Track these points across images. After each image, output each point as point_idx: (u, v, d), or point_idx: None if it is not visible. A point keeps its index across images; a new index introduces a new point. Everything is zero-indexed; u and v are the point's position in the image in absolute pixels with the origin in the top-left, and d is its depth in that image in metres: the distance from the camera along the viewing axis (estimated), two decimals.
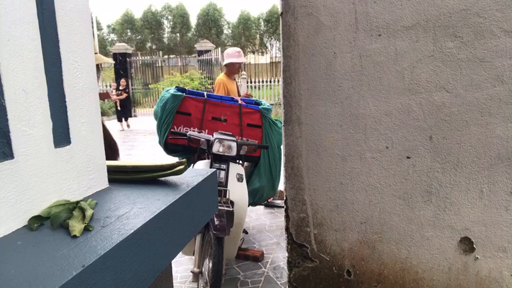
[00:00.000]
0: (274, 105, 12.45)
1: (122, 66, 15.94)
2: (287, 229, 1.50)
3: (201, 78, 16.17)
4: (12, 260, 0.45)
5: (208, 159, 2.85)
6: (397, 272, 1.40)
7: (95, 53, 1.95)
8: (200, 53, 17.54)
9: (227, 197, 2.49)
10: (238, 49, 4.56)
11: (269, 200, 4.43)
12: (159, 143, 3.35)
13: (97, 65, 2.00)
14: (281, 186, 4.10)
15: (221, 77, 4.41)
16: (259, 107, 3.35)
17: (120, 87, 13.21)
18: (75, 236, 0.51)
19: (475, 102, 1.25)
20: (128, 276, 0.51)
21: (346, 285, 1.46)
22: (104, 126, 1.94)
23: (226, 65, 4.35)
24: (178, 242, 0.70)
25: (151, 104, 16.77)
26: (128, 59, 16.18)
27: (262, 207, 4.59)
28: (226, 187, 2.53)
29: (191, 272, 2.53)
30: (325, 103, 1.36)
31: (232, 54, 4.33)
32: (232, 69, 4.36)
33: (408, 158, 1.33)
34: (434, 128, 1.29)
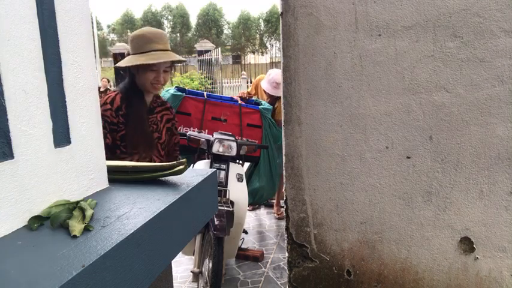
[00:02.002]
0: None
1: None
2: (287, 229, 1.50)
3: (201, 78, 16.17)
4: (12, 260, 0.45)
5: (208, 159, 2.85)
6: (397, 272, 1.40)
7: (167, 50, 1.88)
8: (200, 53, 17.53)
9: (227, 197, 2.49)
10: (280, 81, 4.05)
11: (269, 200, 4.43)
12: None
13: (172, 63, 1.92)
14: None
15: (261, 76, 4.15)
16: (259, 107, 3.36)
17: (101, 88, 10.28)
18: (75, 236, 0.51)
19: (475, 102, 1.25)
20: (128, 276, 0.51)
21: (346, 285, 1.46)
22: (144, 121, 1.91)
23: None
24: (178, 242, 0.70)
25: None
26: None
27: (262, 207, 4.60)
28: (226, 187, 2.54)
29: (191, 272, 2.54)
30: (325, 103, 1.36)
31: (269, 81, 3.79)
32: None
33: (408, 158, 1.33)
34: (434, 128, 1.29)
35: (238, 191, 2.61)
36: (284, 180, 1.48)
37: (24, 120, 0.55)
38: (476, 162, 1.28)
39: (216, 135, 2.73)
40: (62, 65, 0.63)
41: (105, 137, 1.81)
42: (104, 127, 1.86)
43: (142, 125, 1.94)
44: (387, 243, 1.39)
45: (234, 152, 2.65)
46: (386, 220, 1.38)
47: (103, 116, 1.86)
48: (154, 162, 1.98)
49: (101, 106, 1.79)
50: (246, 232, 3.64)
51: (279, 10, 1.38)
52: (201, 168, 2.53)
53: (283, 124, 1.44)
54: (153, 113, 2.03)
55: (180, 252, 2.46)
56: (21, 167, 0.54)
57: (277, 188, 3.90)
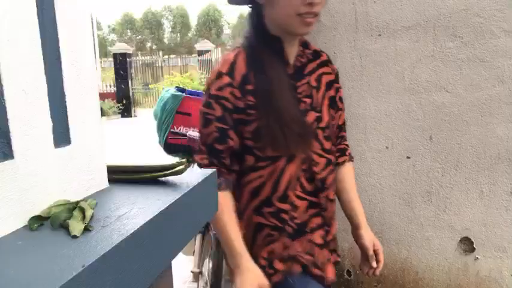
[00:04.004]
0: None
1: (122, 66, 15.92)
2: None
3: (201, 78, 16.16)
4: (12, 260, 0.45)
5: None
6: (397, 272, 1.40)
7: None
8: (200, 53, 17.54)
9: None
10: None
11: None
12: (159, 143, 3.34)
13: None
14: None
15: None
16: None
17: None
18: (75, 236, 0.51)
19: (475, 102, 1.25)
20: (128, 276, 0.51)
21: (346, 285, 1.45)
22: (291, 97, 1.03)
23: None
24: (178, 242, 0.70)
25: (151, 104, 16.75)
26: (128, 59, 16.16)
27: None
28: None
29: (191, 272, 2.53)
30: None
31: None
32: None
33: (408, 158, 1.33)
34: (434, 128, 1.29)
35: None
36: None
37: (24, 120, 0.55)
38: (476, 162, 1.28)
39: None
40: (62, 65, 0.63)
41: (225, 138, 1.09)
42: (223, 120, 1.08)
43: (289, 103, 1.06)
44: (387, 243, 1.39)
45: None
46: (387, 220, 1.38)
47: (219, 99, 1.08)
48: (316, 162, 1.10)
49: (212, 82, 1.10)
50: None
51: None
52: (201, 168, 2.52)
53: None
54: (301, 76, 1.11)
55: (180, 252, 2.45)
56: (21, 167, 0.54)
57: None
